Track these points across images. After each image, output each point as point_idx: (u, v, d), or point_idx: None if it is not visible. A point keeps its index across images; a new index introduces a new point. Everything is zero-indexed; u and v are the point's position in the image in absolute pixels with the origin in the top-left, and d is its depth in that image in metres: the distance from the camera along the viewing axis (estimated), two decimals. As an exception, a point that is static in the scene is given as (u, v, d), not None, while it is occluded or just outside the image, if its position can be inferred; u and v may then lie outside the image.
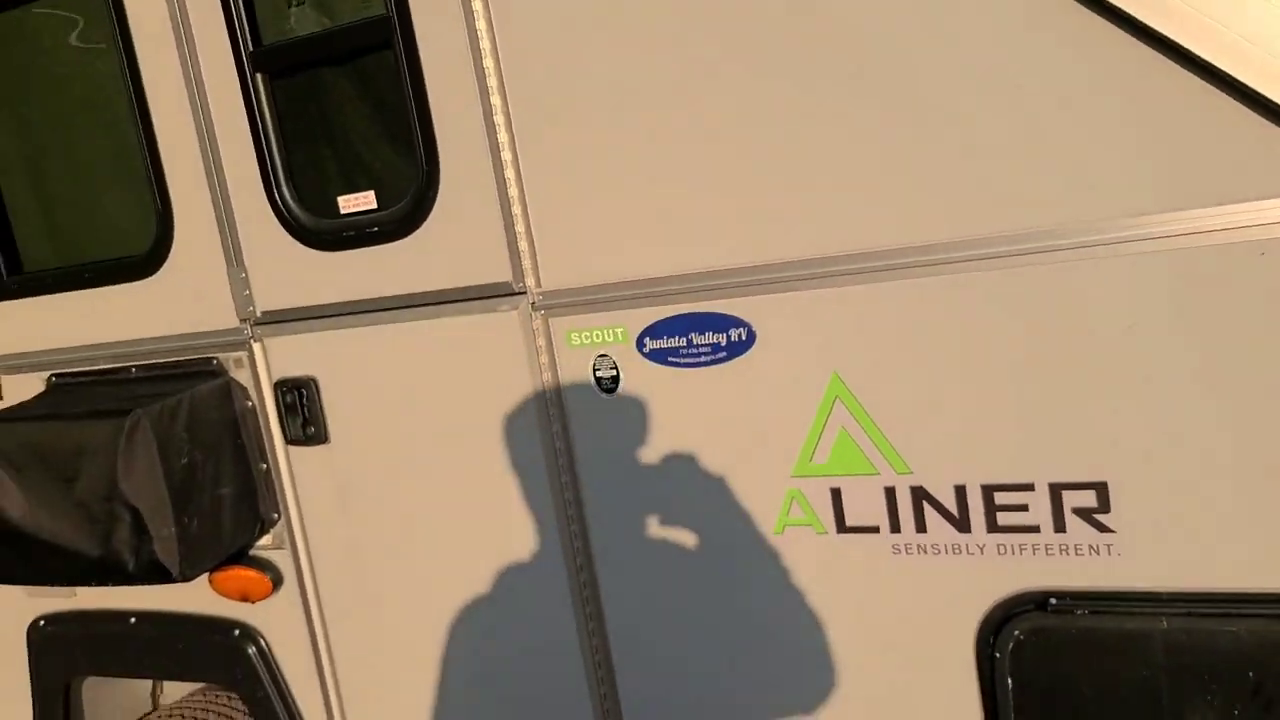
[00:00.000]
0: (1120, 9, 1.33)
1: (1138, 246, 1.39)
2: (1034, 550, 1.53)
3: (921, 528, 1.60)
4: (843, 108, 1.51)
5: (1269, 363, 1.36)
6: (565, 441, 1.82)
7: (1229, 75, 1.29)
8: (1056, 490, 1.51)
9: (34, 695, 2.49)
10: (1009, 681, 1.57)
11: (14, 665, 2.51)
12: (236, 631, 2.22)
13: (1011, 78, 1.42)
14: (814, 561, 1.68)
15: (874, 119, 1.50)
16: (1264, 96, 1.27)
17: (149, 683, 2.68)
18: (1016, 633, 1.55)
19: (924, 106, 1.47)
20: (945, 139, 1.47)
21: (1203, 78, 1.32)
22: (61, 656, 2.44)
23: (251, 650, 2.21)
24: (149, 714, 2.60)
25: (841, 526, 1.65)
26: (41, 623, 2.45)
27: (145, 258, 2.13)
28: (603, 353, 1.76)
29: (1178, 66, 1.32)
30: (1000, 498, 1.54)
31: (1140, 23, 1.32)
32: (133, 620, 2.33)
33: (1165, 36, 1.31)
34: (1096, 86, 1.38)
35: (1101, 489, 1.48)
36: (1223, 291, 1.37)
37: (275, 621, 2.19)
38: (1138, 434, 1.45)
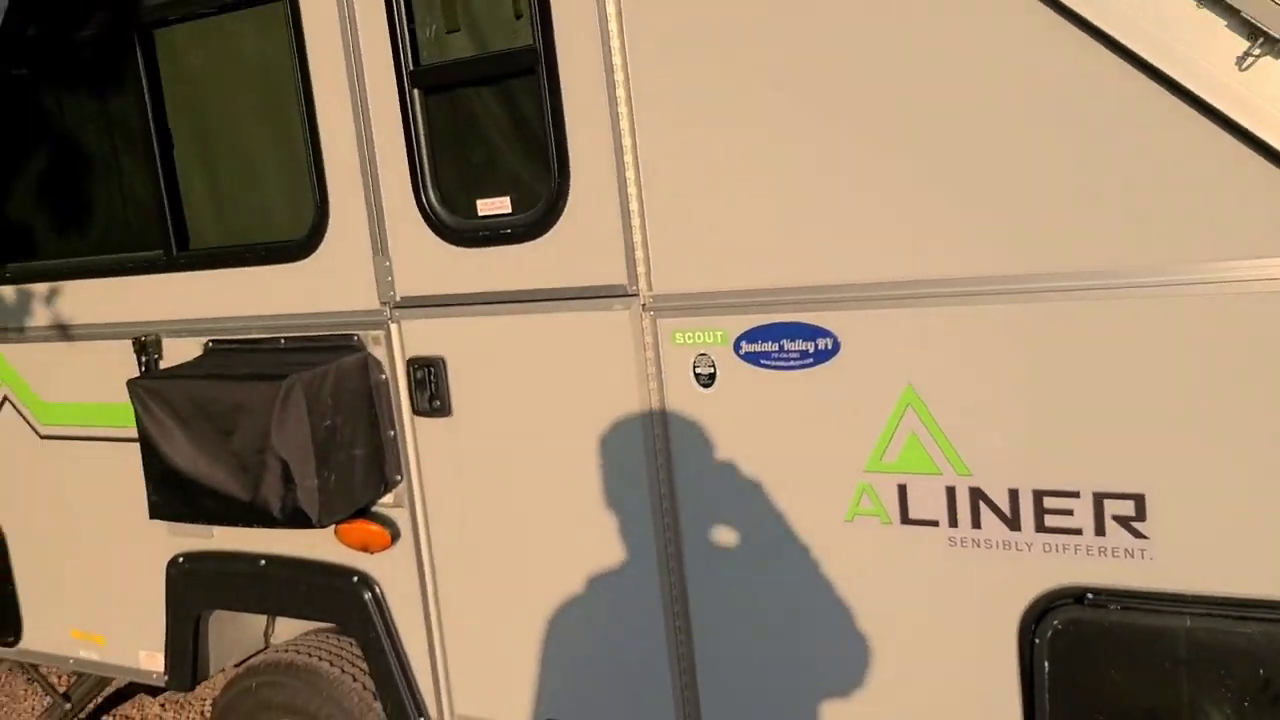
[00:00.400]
0: (1180, 83, 1.53)
1: (1181, 290, 1.60)
2: (1075, 550, 1.74)
3: (976, 524, 1.81)
4: (928, 158, 1.74)
5: (1294, 398, 1.56)
6: (663, 428, 2.07)
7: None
8: (1099, 498, 1.71)
9: (167, 624, 2.81)
10: (1045, 665, 1.78)
11: (149, 598, 2.82)
12: (355, 578, 2.50)
13: (1069, 137, 1.64)
14: (878, 548, 1.91)
15: (953, 168, 1.72)
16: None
17: (263, 622, 2.98)
18: (1055, 623, 1.76)
19: (997, 160, 1.69)
20: (1016, 187, 1.68)
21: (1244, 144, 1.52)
22: (196, 590, 2.75)
23: (367, 596, 2.49)
24: (265, 650, 2.90)
25: (905, 518, 1.87)
26: (180, 560, 2.76)
27: (301, 243, 2.42)
28: (702, 352, 2.00)
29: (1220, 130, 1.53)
30: (1049, 502, 1.75)
31: (1197, 96, 1.53)
32: (262, 562, 2.63)
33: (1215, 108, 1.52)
34: (1147, 148, 1.59)
35: (1140, 500, 1.69)
36: (1247, 335, 1.57)
37: (390, 572, 2.47)
38: (1174, 454, 1.65)
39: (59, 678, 3.87)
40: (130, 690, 4.29)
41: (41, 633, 3.13)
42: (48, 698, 3.78)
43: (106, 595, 2.94)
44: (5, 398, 2.99)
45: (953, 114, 1.72)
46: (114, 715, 4.12)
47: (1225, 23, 1.50)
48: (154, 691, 4.33)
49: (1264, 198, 1.53)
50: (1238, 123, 1.51)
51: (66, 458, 2.91)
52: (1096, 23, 1.57)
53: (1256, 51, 1.48)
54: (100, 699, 4.02)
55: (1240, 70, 1.50)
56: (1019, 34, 1.65)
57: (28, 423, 2.97)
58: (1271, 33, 1.45)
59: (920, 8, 1.72)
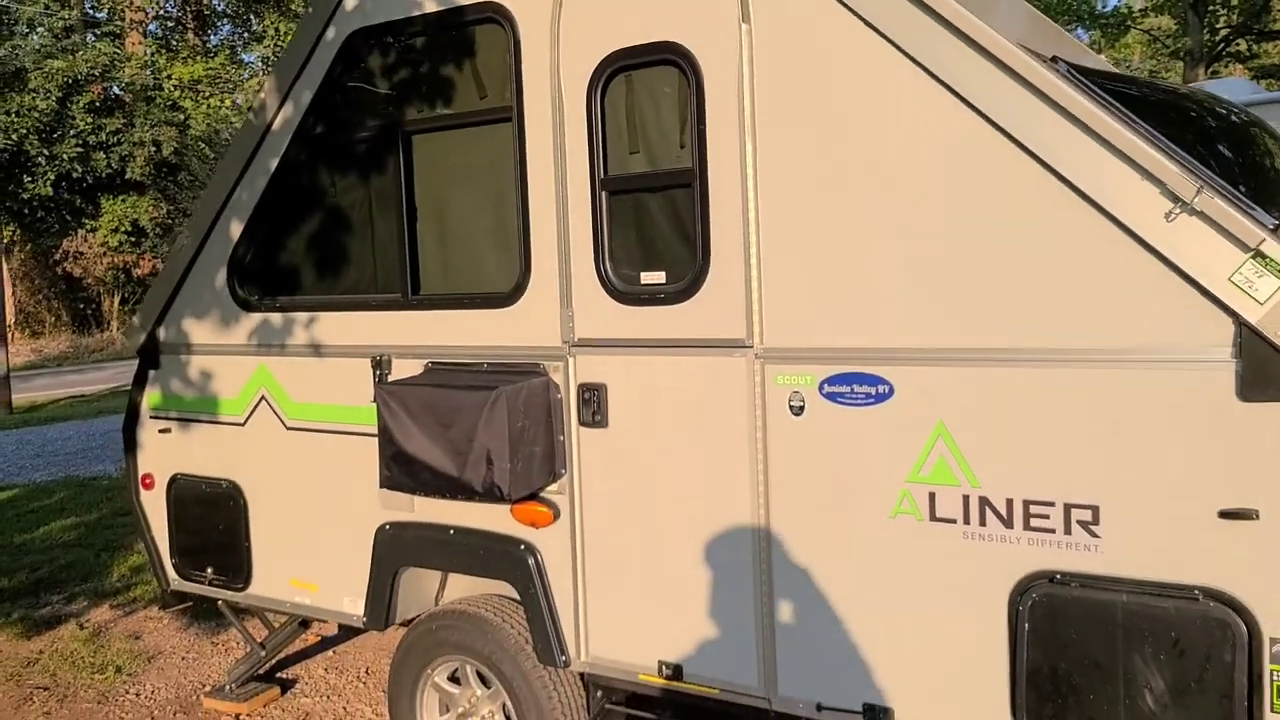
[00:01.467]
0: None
1: (1117, 364, 2.36)
2: (1050, 544, 2.48)
3: (983, 523, 2.56)
4: (955, 270, 2.54)
5: (1178, 459, 2.29)
6: (764, 444, 2.87)
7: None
8: (1068, 508, 2.45)
9: (371, 577, 3.67)
10: (1026, 626, 2.51)
11: (359, 556, 3.70)
12: (522, 546, 3.33)
13: (1046, 253, 2.42)
14: (913, 538, 2.66)
15: (970, 274, 2.52)
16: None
17: (435, 585, 3.83)
18: (1034, 595, 2.50)
19: (1002, 267, 2.48)
20: (1010, 289, 2.47)
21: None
22: (396, 551, 3.62)
23: (531, 561, 3.31)
24: (446, 604, 3.74)
25: (933, 517, 2.63)
26: (387, 526, 3.63)
27: (507, 294, 3.31)
28: (796, 390, 2.81)
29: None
30: (1033, 509, 2.50)
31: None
32: (451, 531, 3.48)
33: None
34: (1102, 267, 2.36)
35: (1096, 509, 2.42)
36: (1168, 399, 2.31)
37: (549, 543, 3.30)
38: (1118, 480, 2.39)
39: (256, 633, 4.78)
40: (298, 656, 5.19)
41: (267, 581, 4.04)
42: (246, 646, 4.70)
43: (324, 553, 3.83)
44: (263, 397, 3.95)
45: (969, 240, 2.52)
46: (286, 673, 5.01)
47: (1147, 183, 2.28)
48: (318, 653, 5.23)
49: (1184, 313, 2.29)
50: (1170, 259, 2.29)
51: (306, 445, 3.83)
52: (1069, 177, 2.37)
53: (1178, 209, 2.26)
54: (276, 660, 4.92)
55: (1167, 221, 2.28)
56: (1015, 179, 2.45)
57: (278, 416, 3.91)
58: (1185, 199, 2.23)
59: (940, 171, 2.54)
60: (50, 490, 9.39)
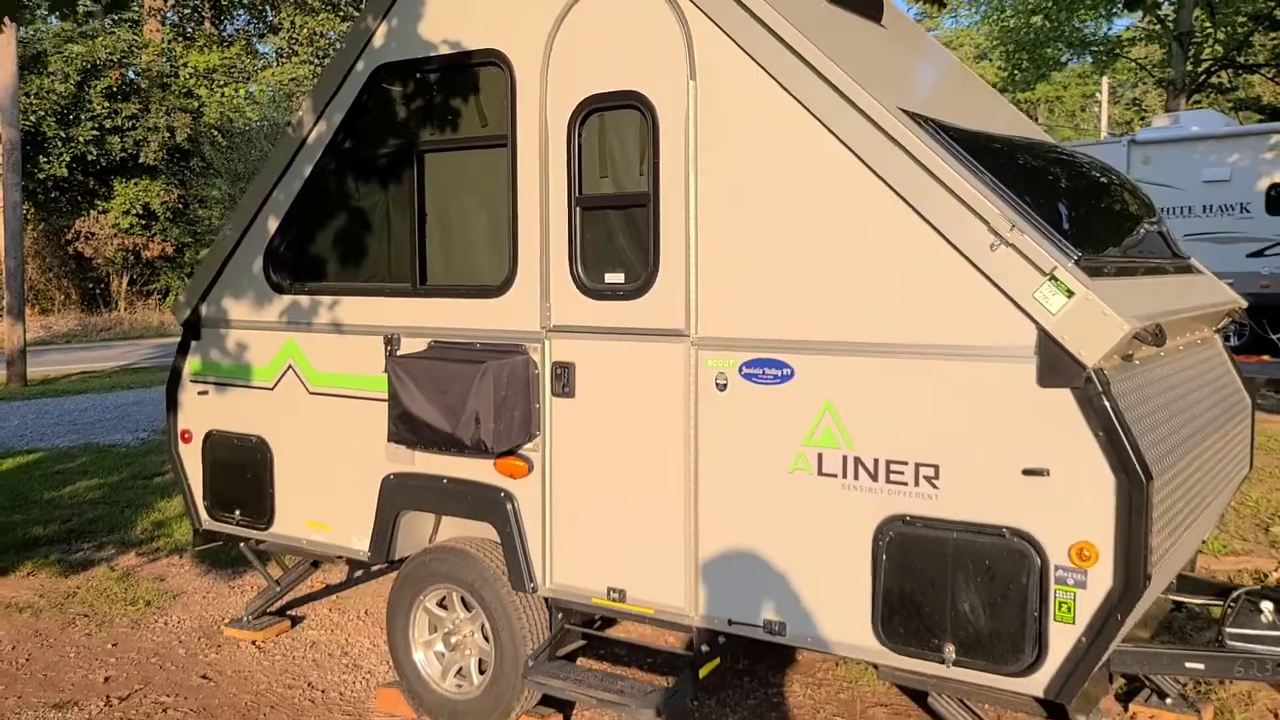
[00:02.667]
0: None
1: (942, 356, 3.11)
2: (904, 494, 3.23)
3: (857, 477, 3.31)
4: (839, 285, 3.29)
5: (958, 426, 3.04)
6: (695, 412, 3.61)
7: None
8: (917, 465, 3.20)
9: (376, 518, 4.42)
10: (884, 556, 3.26)
11: (366, 500, 4.44)
12: (502, 494, 4.08)
13: (899, 270, 3.17)
14: (804, 489, 3.41)
15: (847, 287, 3.27)
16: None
17: (430, 528, 4.56)
18: (890, 533, 3.24)
19: (868, 281, 3.23)
20: (875, 298, 3.22)
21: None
22: (398, 497, 4.37)
23: (509, 506, 4.06)
24: (438, 542, 4.48)
25: (820, 472, 3.38)
26: (391, 476, 4.38)
27: (498, 287, 4.05)
28: (721, 371, 3.56)
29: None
30: (893, 467, 3.25)
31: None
32: (445, 480, 4.23)
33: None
34: (941, 279, 3.11)
35: (937, 468, 3.17)
36: (984, 383, 3.06)
37: (524, 491, 4.04)
38: (952, 447, 3.14)
39: (274, 571, 5.52)
40: (306, 598, 5.92)
41: (286, 522, 4.78)
42: (264, 582, 5.45)
43: (336, 498, 4.57)
44: (290, 366, 4.69)
45: (852, 257, 3.27)
46: (296, 611, 5.74)
47: (977, 220, 3.04)
48: (323, 597, 5.97)
49: (1002, 320, 3.03)
50: (993, 279, 3.04)
51: (326, 407, 4.58)
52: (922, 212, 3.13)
53: (998, 242, 3.01)
54: (287, 600, 5.66)
55: (991, 251, 3.03)
56: (877, 203, 3.21)
57: (302, 383, 4.66)
58: (1002, 234, 2.98)
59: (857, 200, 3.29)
60: (73, 455, 10.13)
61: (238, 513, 4.93)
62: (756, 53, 3.44)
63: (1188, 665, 3.51)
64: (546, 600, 4.08)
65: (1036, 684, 3.07)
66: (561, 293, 3.91)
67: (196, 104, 33.19)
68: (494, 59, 4.04)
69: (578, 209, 3.86)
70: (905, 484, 3.23)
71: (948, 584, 3.15)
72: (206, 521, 5.09)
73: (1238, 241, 15.75)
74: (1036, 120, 46.95)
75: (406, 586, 4.37)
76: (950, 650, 3.16)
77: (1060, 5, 22.09)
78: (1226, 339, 4.80)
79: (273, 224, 4.72)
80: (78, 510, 7.93)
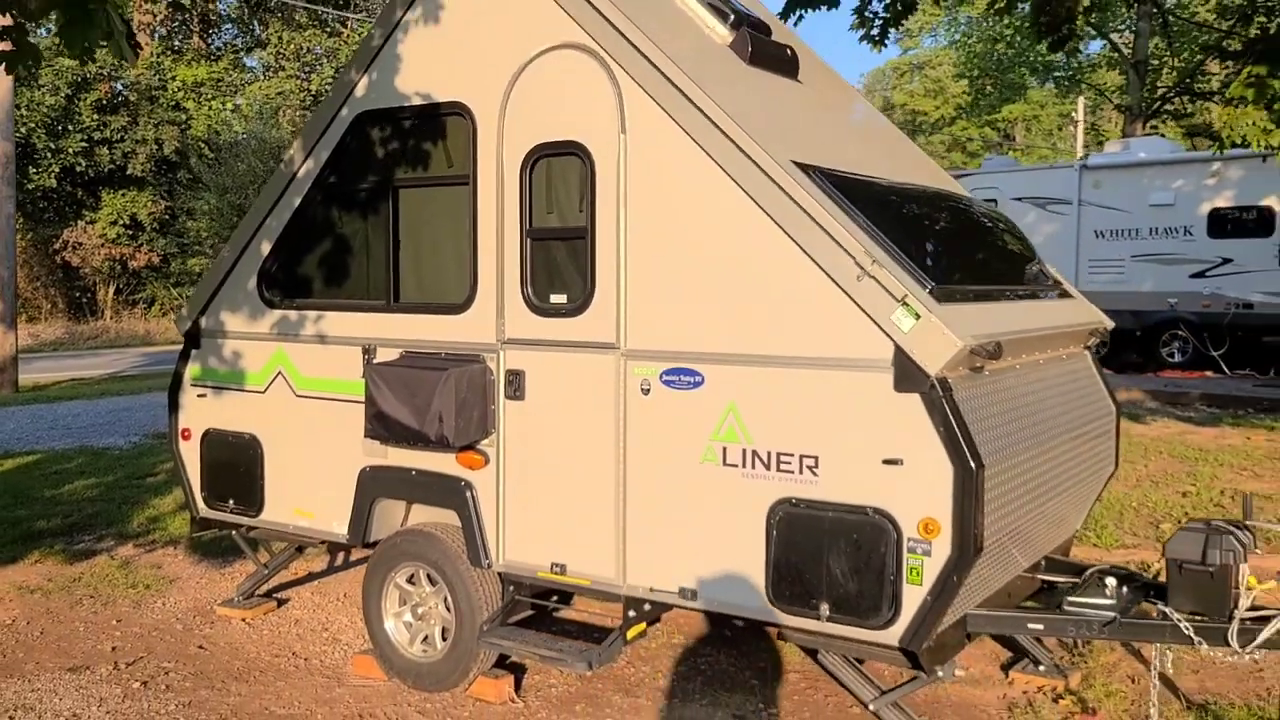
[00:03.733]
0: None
1: (815, 367, 3.79)
2: (791, 480, 3.90)
3: (754, 466, 3.99)
4: (740, 310, 3.97)
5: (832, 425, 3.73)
6: (624, 412, 4.28)
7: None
8: (801, 457, 3.88)
9: (354, 506, 5.07)
10: (774, 533, 3.93)
11: (345, 490, 5.09)
12: (462, 483, 4.73)
13: (780, 293, 3.85)
14: (712, 476, 4.08)
15: (744, 316, 3.95)
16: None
17: (401, 514, 5.21)
18: (780, 513, 3.92)
19: (761, 306, 3.91)
20: (763, 319, 3.90)
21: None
22: (374, 486, 5.01)
23: (468, 493, 4.71)
24: (408, 525, 5.13)
25: (725, 462, 4.05)
26: (367, 468, 5.03)
27: (460, 304, 4.72)
28: (646, 378, 4.23)
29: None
30: (783, 458, 3.92)
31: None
32: (413, 472, 4.88)
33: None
34: (813, 304, 3.80)
35: (817, 458, 3.85)
36: (847, 390, 3.75)
37: (481, 481, 4.70)
38: (827, 441, 3.81)
39: (261, 557, 6.15)
40: (291, 583, 6.55)
41: (275, 509, 5.42)
42: (252, 566, 6.08)
43: (319, 488, 5.22)
44: (280, 372, 5.34)
45: (748, 284, 3.95)
46: (281, 594, 6.36)
47: (847, 255, 3.73)
48: (306, 583, 6.60)
49: (868, 337, 3.72)
50: (859, 303, 3.72)
51: (310, 408, 5.23)
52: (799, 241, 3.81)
53: (862, 273, 3.70)
54: (273, 584, 6.29)
55: (858, 281, 3.72)
56: (765, 237, 3.89)
57: (290, 387, 5.31)
58: (864, 267, 3.67)
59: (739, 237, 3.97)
60: (69, 456, 10.72)
61: (232, 502, 5.56)
62: (673, 111, 4.13)
63: (1029, 625, 4.21)
64: (500, 575, 4.73)
65: (893, 635, 3.74)
66: (514, 310, 4.58)
67: (184, 117, 33.76)
68: (459, 110, 4.71)
69: (528, 239, 4.53)
70: (792, 472, 3.91)
71: (824, 554, 3.83)
72: (204, 510, 5.73)
73: (1181, 263, 16.57)
74: (1014, 139, 48.02)
75: (379, 565, 5.02)
76: (825, 608, 3.83)
77: (1022, 33, 22.94)
78: (1098, 354, 5.49)
79: (266, 247, 5.38)
80: (77, 506, 8.53)
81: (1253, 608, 4.02)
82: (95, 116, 31.80)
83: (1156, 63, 22.89)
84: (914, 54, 52.19)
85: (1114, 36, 23.22)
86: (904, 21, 9.29)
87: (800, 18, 8.77)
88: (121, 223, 33.09)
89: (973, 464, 3.57)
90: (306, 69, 36.85)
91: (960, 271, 4.33)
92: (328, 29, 37.49)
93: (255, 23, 37.88)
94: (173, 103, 33.61)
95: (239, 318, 5.51)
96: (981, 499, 3.60)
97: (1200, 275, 16.44)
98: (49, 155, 30.99)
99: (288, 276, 5.39)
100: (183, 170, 33.82)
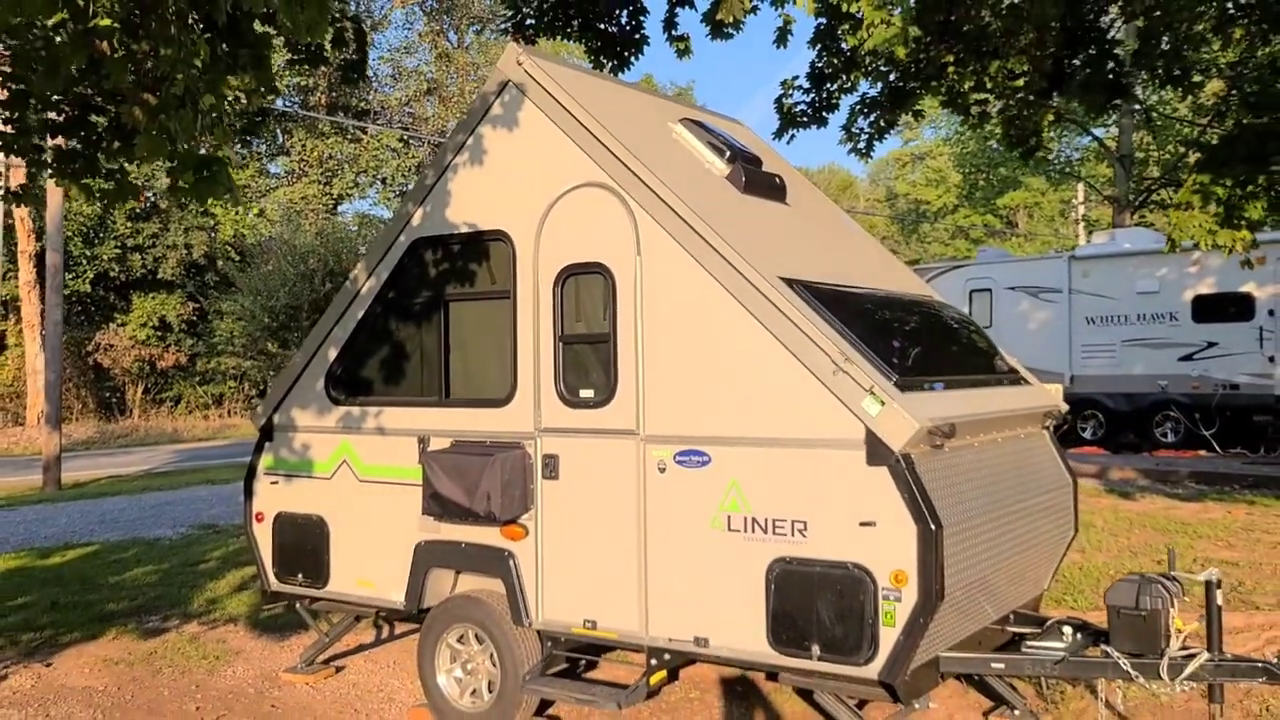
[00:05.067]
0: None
1: (800, 447, 4.60)
2: (785, 541, 4.68)
3: (753, 530, 4.76)
4: (732, 398, 4.80)
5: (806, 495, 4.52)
6: (644, 489, 5.08)
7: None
8: (793, 522, 4.66)
9: (410, 575, 5.84)
10: (772, 587, 4.69)
11: (403, 562, 5.86)
12: (506, 552, 5.50)
13: (766, 383, 4.68)
14: (719, 539, 4.85)
15: (747, 397, 4.78)
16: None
17: (450, 582, 5.96)
18: (777, 570, 4.68)
19: (745, 393, 4.74)
20: (751, 405, 4.73)
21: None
22: (428, 558, 5.79)
23: (511, 561, 5.48)
24: (458, 592, 5.88)
25: (729, 529, 4.83)
26: (422, 543, 5.81)
27: (503, 399, 5.56)
28: (661, 458, 5.04)
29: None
30: (777, 524, 4.70)
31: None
32: (463, 544, 5.66)
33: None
34: (795, 392, 4.62)
35: (805, 523, 4.63)
36: (829, 467, 4.55)
37: (522, 551, 5.47)
38: (817, 510, 4.60)
39: (322, 625, 6.89)
40: (347, 653, 7.27)
41: (339, 581, 6.19)
42: (313, 633, 6.81)
43: (379, 561, 5.99)
44: (345, 461, 6.17)
45: (744, 379, 4.78)
46: (339, 662, 7.08)
47: (824, 353, 4.56)
48: (359, 652, 7.32)
49: (844, 421, 4.53)
50: (836, 393, 4.54)
51: (372, 491, 6.04)
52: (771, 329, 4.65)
53: (837, 368, 4.53)
54: (331, 653, 7.02)
55: (834, 375, 4.55)
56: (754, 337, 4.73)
57: (353, 473, 6.13)
58: (838, 363, 4.50)
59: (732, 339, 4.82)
60: (124, 547, 11.50)
61: (301, 576, 6.34)
62: (679, 236, 5.02)
63: (993, 665, 4.92)
64: (539, 632, 5.48)
65: (873, 670, 4.47)
66: (549, 404, 5.42)
67: (212, 222, 35.25)
68: (501, 236, 5.63)
69: (560, 344, 5.39)
70: (785, 534, 4.69)
71: (814, 602, 4.58)
72: (275, 584, 6.51)
73: (1169, 346, 17.38)
74: (1016, 226, 49.28)
75: (433, 627, 5.77)
76: (816, 649, 4.57)
77: (998, 141, 24.18)
78: (1059, 430, 6.27)
79: (333, 353, 6.26)
80: (140, 591, 9.29)
81: (1182, 647, 4.74)
82: (129, 224, 33.29)
83: (1142, 155, 23.99)
84: (915, 145, 53.96)
85: (1100, 131, 24.40)
86: (887, 135, 10.29)
87: (793, 136, 9.78)
88: (151, 324, 34.35)
89: (932, 525, 4.35)
90: (328, 174, 38.50)
91: (923, 364, 5.15)
92: (348, 136, 39.22)
93: (279, 131, 39.61)
94: (201, 209, 35.10)
95: (308, 414, 6.37)
96: (941, 554, 4.36)
97: (1188, 358, 17.23)
98: (84, 262, 32.40)
99: (351, 377, 6.26)
100: (210, 273, 35.18)
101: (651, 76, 50.87)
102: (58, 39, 5.18)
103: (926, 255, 46.80)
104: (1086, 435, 18.51)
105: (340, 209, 39.66)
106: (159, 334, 34.64)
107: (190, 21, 5.02)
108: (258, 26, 5.45)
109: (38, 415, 30.14)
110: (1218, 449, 17.02)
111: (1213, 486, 13.80)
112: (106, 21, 4.94)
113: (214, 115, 5.07)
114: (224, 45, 4.91)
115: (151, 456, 24.87)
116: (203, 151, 4.89)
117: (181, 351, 35.10)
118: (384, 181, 40.06)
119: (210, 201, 5.28)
